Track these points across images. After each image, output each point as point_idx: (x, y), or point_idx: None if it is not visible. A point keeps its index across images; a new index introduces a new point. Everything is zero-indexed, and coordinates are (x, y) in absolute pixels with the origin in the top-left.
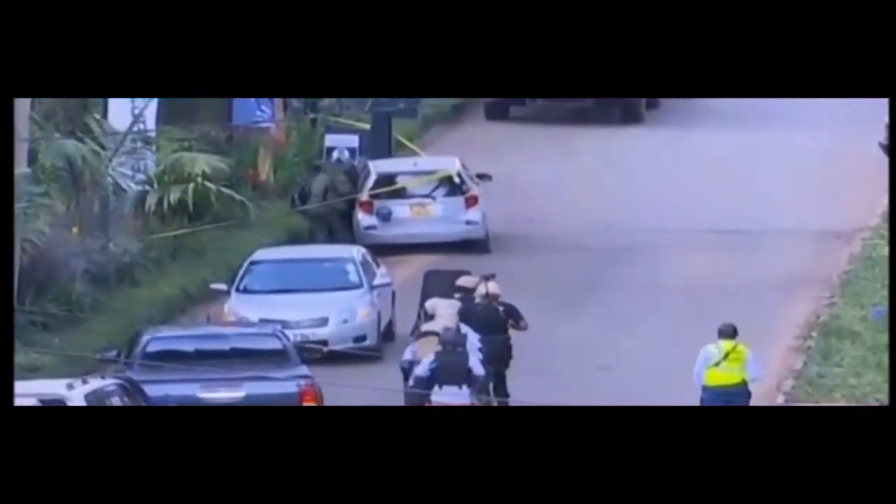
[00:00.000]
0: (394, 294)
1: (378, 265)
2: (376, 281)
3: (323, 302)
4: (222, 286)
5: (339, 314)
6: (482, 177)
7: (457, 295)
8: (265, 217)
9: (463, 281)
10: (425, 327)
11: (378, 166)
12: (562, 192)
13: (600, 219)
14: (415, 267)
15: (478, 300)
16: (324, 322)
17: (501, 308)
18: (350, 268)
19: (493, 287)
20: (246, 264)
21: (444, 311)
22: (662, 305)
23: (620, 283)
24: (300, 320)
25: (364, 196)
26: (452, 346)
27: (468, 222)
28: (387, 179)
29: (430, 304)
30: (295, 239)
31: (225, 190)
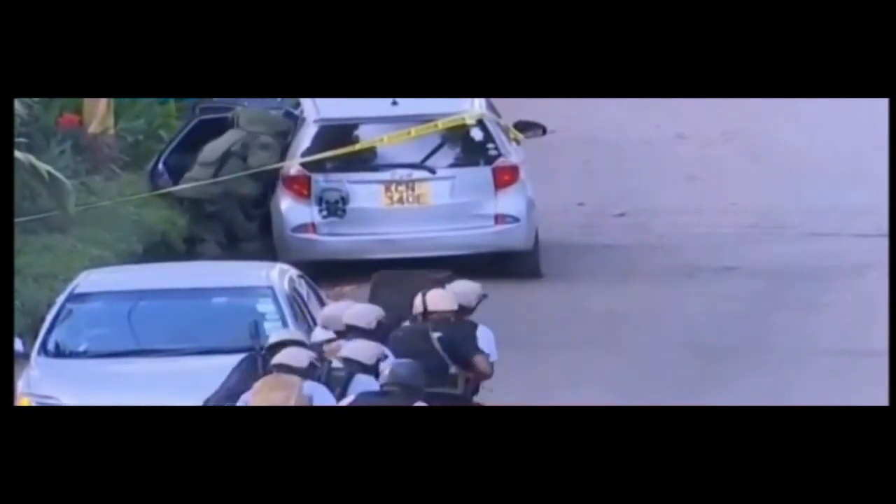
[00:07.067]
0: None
1: (323, 302)
2: (317, 334)
3: (213, 374)
4: (16, 344)
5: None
6: (529, 128)
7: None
8: (99, 207)
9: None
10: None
11: (323, 108)
12: (677, 161)
13: (754, 214)
14: None
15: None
16: None
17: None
18: (267, 307)
19: (434, 301)
20: (60, 301)
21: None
22: None
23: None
24: None
25: (293, 166)
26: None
27: (499, 218)
28: (339, 133)
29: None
30: (157, 250)
31: (18, 155)
